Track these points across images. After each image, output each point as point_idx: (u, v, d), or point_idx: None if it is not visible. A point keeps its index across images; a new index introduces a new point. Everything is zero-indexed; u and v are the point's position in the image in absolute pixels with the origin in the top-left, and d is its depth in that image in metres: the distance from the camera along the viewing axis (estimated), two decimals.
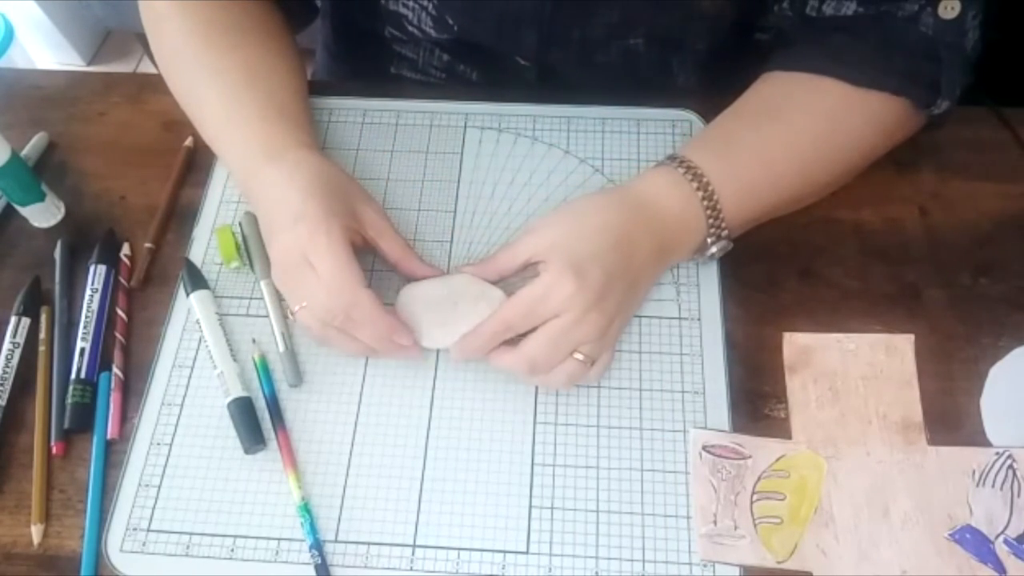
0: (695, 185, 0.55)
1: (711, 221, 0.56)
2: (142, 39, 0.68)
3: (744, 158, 0.58)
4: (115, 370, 0.58)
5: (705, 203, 0.55)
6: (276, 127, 0.59)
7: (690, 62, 0.72)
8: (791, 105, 0.59)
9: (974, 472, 0.52)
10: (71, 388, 0.56)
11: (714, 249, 0.57)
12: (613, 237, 0.53)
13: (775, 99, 0.60)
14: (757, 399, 0.56)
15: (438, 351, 0.57)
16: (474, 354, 0.54)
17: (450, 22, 0.71)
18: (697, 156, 0.57)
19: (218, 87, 0.61)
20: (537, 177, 0.65)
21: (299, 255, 0.53)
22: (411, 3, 0.71)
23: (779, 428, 0.55)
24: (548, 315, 0.51)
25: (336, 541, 0.52)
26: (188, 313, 0.60)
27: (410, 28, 0.74)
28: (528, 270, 0.55)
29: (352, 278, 0.52)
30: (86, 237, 0.64)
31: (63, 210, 0.66)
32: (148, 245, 0.63)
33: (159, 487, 0.54)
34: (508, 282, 0.56)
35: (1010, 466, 0.52)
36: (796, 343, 0.57)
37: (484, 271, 0.56)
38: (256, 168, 0.57)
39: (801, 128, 0.59)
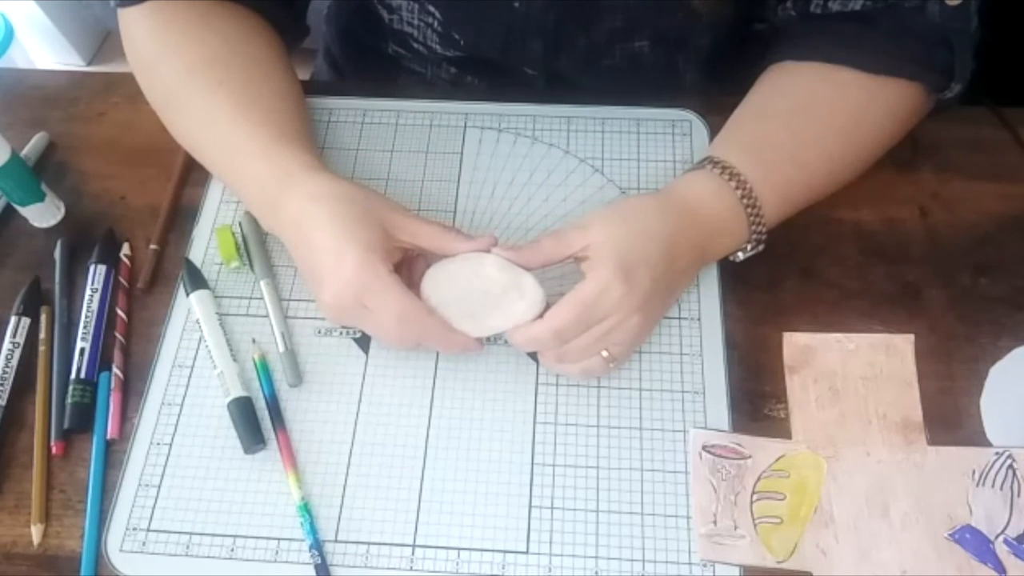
0: (739, 192, 0.55)
1: (753, 227, 0.56)
2: None
3: (781, 161, 0.57)
4: (115, 370, 0.58)
5: (749, 210, 0.55)
6: (280, 155, 0.56)
7: (695, 60, 0.72)
8: (818, 103, 0.59)
9: (974, 472, 0.52)
10: (71, 388, 0.56)
11: (750, 252, 0.58)
12: (663, 244, 0.53)
13: (800, 96, 0.60)
14: (757, 399, 0.56)
15: (437, 352, 0.58)
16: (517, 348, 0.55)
17: (456, 37, 0.70)
18: (736, 159, 0.56)
19: (212, 128, 0.59)
20: (537, 177, 0.65)
21: (351, 299, 0.51)
22: (416, 20, 0.71)
23: (779, 428, 0.55)
24: (598, 320, 0.51)
25: (336, 541, 0.52)
26: (188, 313, 0.60)
27: (415, 45, 0.74)
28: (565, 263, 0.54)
29: (412, 312, 0.51)
30: (86, 237, 0.64)
31: (63, 210, 0.66)
32: (153, 247, 0.63)
33: (159, 487, 0.54)
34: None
35: (1010, 466, 0.52)
36: (796, 343, 0.57)
37: (523, 258, 0.53)
38: (272, 204, 0.56)
39: (830, 126, 0.59)
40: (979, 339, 0.57)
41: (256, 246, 0.62)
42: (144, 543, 0.52)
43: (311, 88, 0.68)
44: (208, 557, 0.51)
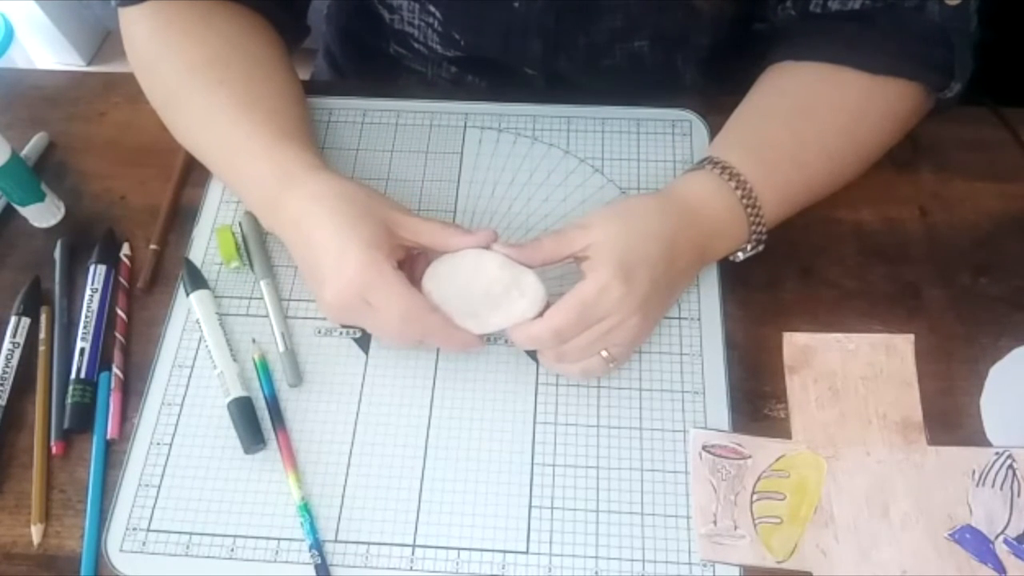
0: (739, 193, 0.55)
1: (753, 227, 0.56)
2: None
3: (781, 161, 0.57)
4: (115, 370, 0.58)
5: (749, 210, 0.55)
6: (281, 154, 0.56)
7: (694, 59, 0.72)
8: (818, 102, 0.59)
9: (974, 472, 0.52)
10: (71, 388, 0.56)
11: (750, 252, 0.57)
12: (663, 245, 0.53)
13: (801, 96, 0.60)
14: (757, 399, 0.56)
15: (438, 350, 0.58)
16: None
17: (456, 37, 0.70)
18: (735, 159, 0.56)
19: (212, 128, 0.59)
20: (537, 177, 0.65)
21: (354, 297, 0.51)
22: (416, 20, 0.71)
23: (779, 428, 0.55)
24: (597, 319, 0.51)
25: (336, 541, 0.52)
26: (188, 313, 0.60)
27: (416, 45, 0.74)
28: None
29: (416, 309, 0.51)
30: (86, 237, 0.64)
31: (63, 210, 0.66)
32: (153, 247, 0.63)
33: (159, 487, 0.54)
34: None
35: (1010, 466, 0.52)
36: (796, 343, 0.57)
37: (523, 256, 0.53)
38: (272, 203, 0.56)
39: (830, 126, 0.59)
40: (979, 339, 0.57)
41: (256, 246, 0.62)
42: (144, 543, 0.52)
43: (311, 88, 0.68)
44: (208, 557, 0.51)
